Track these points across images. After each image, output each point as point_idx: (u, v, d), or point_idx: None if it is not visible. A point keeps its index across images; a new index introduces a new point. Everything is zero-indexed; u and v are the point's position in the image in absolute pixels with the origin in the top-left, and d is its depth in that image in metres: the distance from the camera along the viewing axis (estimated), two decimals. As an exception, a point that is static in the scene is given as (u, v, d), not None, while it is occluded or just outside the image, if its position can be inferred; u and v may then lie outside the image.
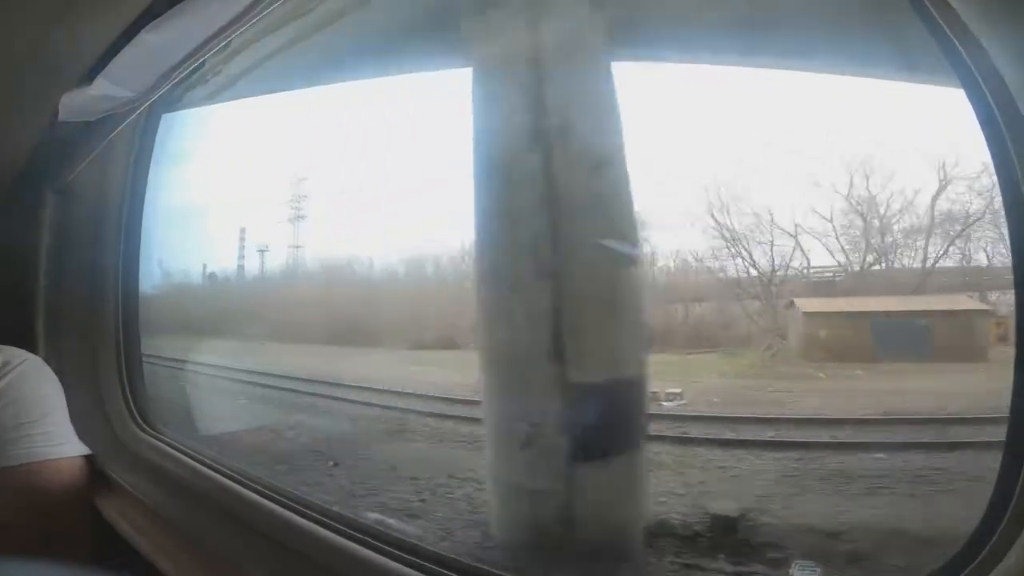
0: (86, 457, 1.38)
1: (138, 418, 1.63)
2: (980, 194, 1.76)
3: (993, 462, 0.55)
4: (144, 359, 1.76)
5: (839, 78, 1.50)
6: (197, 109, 1.85)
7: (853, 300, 2.32)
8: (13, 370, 1.30)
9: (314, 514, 1.01)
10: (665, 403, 2.14)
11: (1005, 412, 0.55)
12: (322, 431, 2.81)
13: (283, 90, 2.09)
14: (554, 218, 1.17)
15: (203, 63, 1.19)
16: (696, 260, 2.52)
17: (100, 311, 1.74)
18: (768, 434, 1.98)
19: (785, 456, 1.84)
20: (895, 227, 2.17)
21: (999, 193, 0.52)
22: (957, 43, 0.48)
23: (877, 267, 2.28)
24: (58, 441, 1.32)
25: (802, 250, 2.31)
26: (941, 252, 2.07)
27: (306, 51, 1.62)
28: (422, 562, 0.85)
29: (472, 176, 1.29)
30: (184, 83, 1.41)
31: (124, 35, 1.08)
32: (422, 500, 1.86)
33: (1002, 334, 1.79)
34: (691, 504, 1.57)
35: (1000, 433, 0.55)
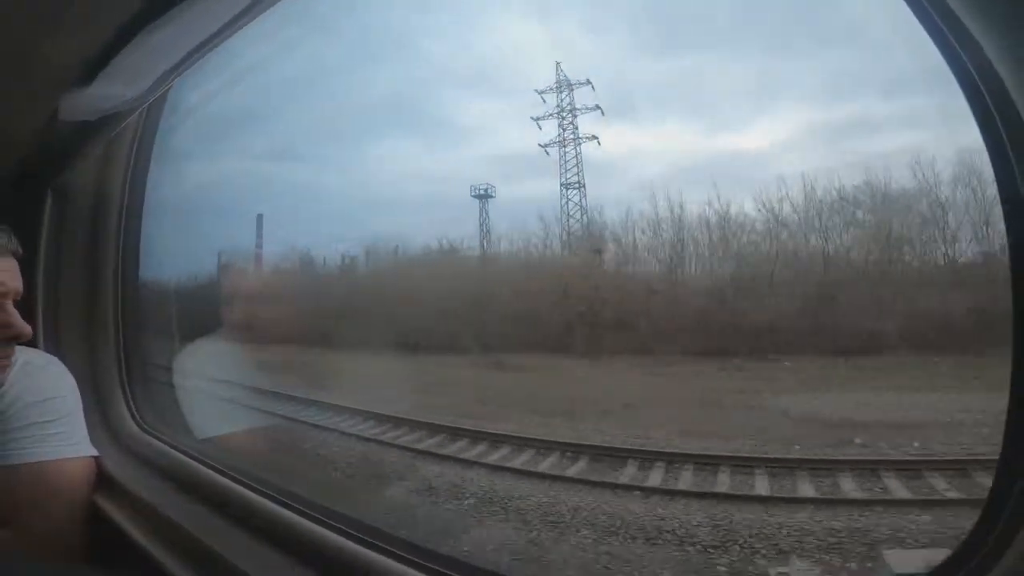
0: (88, 457, 1.38)
1: (138, 417, 1.63)
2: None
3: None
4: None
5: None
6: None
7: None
8: (34, 371, 1.33)
9: (315, 514, 1.02)
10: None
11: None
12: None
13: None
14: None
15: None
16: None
17: (100, 310, 1.74)
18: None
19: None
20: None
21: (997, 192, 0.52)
22: (955, 43, 0.48)
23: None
24: (71, 441, 1.34)
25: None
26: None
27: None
28: (422, 562, 0.85)
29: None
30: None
31: (124, 35, 1.08)
32: None
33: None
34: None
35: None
